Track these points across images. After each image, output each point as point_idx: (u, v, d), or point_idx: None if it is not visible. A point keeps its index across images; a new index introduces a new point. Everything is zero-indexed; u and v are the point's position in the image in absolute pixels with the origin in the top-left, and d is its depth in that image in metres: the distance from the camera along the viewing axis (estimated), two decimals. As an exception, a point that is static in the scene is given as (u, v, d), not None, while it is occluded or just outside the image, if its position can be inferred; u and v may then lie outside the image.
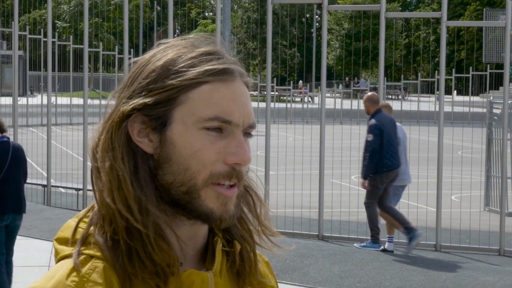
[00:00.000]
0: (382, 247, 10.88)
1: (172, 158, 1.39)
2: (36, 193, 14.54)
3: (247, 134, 1.42)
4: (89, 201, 13.47)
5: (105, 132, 1.42)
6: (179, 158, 1.38)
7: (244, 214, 1.50)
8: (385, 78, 15.34)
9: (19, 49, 23.91)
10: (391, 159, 10.71)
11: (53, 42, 29.53)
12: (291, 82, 47.86)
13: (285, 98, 48.30)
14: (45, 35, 17.23)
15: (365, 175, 10.78)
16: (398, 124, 11.28)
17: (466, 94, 51.48)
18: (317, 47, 67.97)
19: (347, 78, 71.24)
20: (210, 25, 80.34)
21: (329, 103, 43.53)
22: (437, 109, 13.05)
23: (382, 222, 11.11)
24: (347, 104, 45.61)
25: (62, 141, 24.32)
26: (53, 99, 25.29)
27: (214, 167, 1.38)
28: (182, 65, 1.40)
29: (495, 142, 14.72)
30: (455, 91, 51.59)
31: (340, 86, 57.45)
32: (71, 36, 36.31)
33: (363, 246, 10.95)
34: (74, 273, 1.36)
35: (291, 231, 11.20)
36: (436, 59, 69.01)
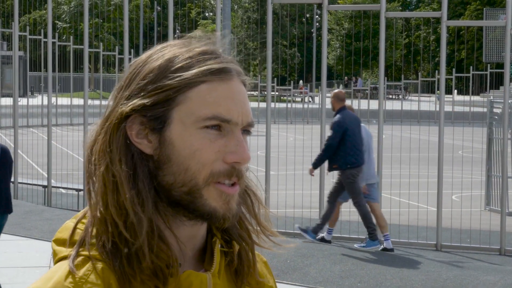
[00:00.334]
0: (382, 246, 10.87)
1: (172, 158, 1.38)
2: (36, 194, 14.54)
3: (245, 132, 1.42)
4: (89, 201, 13.47)
5: (103, 134, 1.41)
6: (179, 158, 1.38)
7: (242, 214, 1.49)
8: (386, 78, 15.33)
9: (19, 50, 23.89)
10: (355, 156, 10.78)
11: (53, 43, 29.52)
12: (292, 82, 47.85)
13: (285, 98, 48.29)
14: (45, 36, 17.23)
15: (314, 165, 11.01)
16: (362, 124, 11.34)
17: (467, 93, 51.48)
18: (318, 47, 67.97)
19: (345, 78, 71.26)
20: (210, 25, 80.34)
21: (329, 103, 43.50)
22: (438, 108, 13.06)
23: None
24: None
25: (63, 142, 24.31)
26: (53, 99, 25.30)
27: (214, 166, 1.38)
28: (180, 65, 1.39)
29: (496, 142, 14.72)
30: (456, 91, 51.58)
31: (340, 86, 57.43)
32: (71, 37, 36.33)
33: (363, 246, 10.93)
34: (71, 275, 1.36)
35: (292, 231, 11.20)
36: (437, 58, 69.01)
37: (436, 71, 43.35)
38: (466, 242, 11.56)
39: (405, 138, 20.91)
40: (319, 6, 11.74)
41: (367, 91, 50.23)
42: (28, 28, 37.87)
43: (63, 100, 36.81)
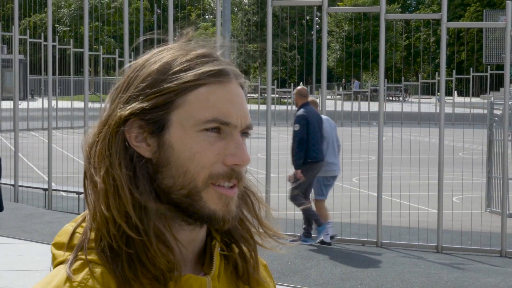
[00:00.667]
0: (327, 234, 10.95)
1: (171, 161, 1.38)
2: (37, 197, 14.54)
3: (244, 134, 1.42)
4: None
5: (101, 137, 1.41)
6: (178, 161, 1.38)
7: (243, 215, 1.49)
8: (386, 79, 15.32)
9: (19, 53, 23.90)
10: (316, 151, 10.96)
11: (54, 46, 29.53)
12: (292, 84, 47.88)
13: (285, 100, 48.30)
14: (46, 39, 17.24)
15: (296, 165, 10.93)
16: (324, 116, 11.51)
17: (467, 95, 51.49)
18: (318, 49, 67.98)
19: (343, 80, 71.24)
20: (210, 27, 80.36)
21: (330, 105, 43.55)
22: (438, 110, 13.06)
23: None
24: (347, 106, 45.64)
25: (63, 145, 24.31)
26: (53, 102, 25.27)
27: (213, 168, 1.38)
28: (178, 68, 1.39)
29: (496, 143, 14.72)
30: (456, 92, 51.59)
31: (341, 88, 57.44)
32: (71, 40, 36.32)
33: (303, 241, 10.92)
34: (69, 281, 1.35)
35: (293, 234, 11.19)
36: (437, 60, 69.04)
37: (436, 73, 43.37)
38: (467, 244, 11.55)
39: (406, 140, 20.92)
40: (319, 8, 11.75)
41: (367, 93, 50.25)
42: (28, 31, 37.89)
43: (64, 103, 36.84)
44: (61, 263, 1.41)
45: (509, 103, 11.97)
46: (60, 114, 34.39)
